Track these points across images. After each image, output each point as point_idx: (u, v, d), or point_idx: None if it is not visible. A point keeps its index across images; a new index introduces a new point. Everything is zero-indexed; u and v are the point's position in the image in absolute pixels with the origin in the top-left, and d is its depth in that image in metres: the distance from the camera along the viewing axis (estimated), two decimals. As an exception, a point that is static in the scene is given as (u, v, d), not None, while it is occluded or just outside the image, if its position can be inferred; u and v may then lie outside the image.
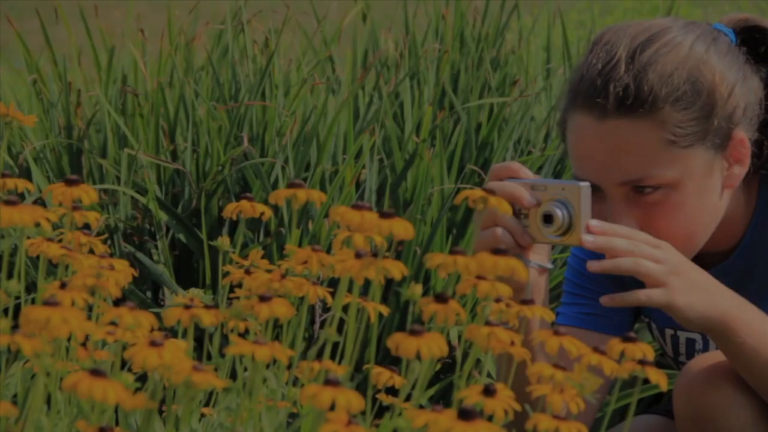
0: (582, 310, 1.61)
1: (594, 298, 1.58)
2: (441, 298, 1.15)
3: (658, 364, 1.91)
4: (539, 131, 2.70)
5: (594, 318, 1.61)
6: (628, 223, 1.45)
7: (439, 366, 2.36)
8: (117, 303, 1.17)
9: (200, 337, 2.31)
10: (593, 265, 1.39)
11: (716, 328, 1.42)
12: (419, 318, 2.28)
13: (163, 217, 2.46)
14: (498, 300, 1.26)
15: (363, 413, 1.15)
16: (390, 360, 2.26)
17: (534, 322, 1.48)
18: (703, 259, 1.54)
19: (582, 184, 1.41)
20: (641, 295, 1.39)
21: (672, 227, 1.45)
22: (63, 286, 1.18)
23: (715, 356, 1.50)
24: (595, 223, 1.41)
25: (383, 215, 1.17)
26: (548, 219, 1.41)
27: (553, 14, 3.22)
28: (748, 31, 1.52)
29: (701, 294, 1.41)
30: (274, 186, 2.49)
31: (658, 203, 1.44)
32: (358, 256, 1.20)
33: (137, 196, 2.47)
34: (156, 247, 2.48)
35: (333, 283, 1.84)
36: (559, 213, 1.41)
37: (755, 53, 1.51)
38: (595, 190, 1.47)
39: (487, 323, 1.19)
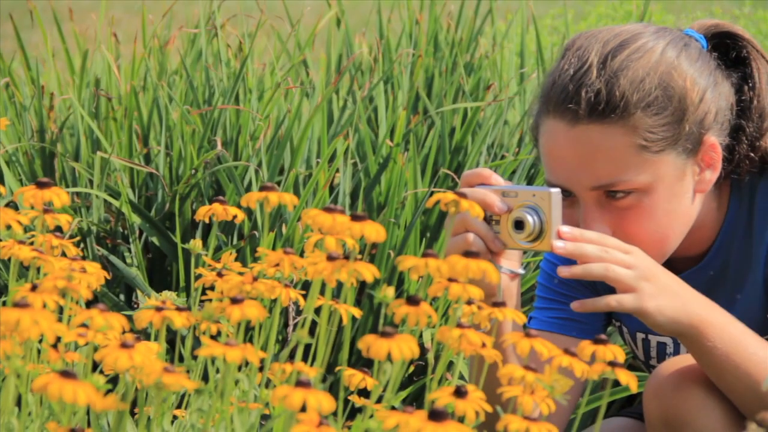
0: (555, 315, 1.62)
1: (567, 302, 1.59)
2: (412, 300, 1.15)
3: (630, 367, 1.93)
4: (513, 135, 2.71)
5: (567, 322, 1.61)
6: (600, 228, 1.46)
7: (412, 368, 2.37)
8: (89, 305, 1.16)
9: (173, 340, 2.31)
10: (563, 271, 1.40)
11: (686, 332, 1.43)
12: (392, 320, 2.28)
13: (136, 220, 2.46)
14: (469, 302, 1.27)
15: (335, 414, 1.15)
16: (363, 362, 2.27)
17: (506, 325, 1.49)
18: (674, 264, 1.55)
19: (553, 190, 1.42)
20: (611, 301, 1.39)
21: (644, 232, 1.46)
22: (34, 288, 1.18)
23: (684, 359, 1.51)
24: (566, 229, 1.42)
25: (355, 218, 1.17)
26: (519, 225, 1.42)
27: (526, 19, 3.23)
28: (719, 36, 1.53)
29: (671, 298, 1.42)
30: (248, 189, 2.49)
31: (630, 208, 1.45)
32: (330, 258, 1.21)
33: (110, 199, 2.46)
34: (129, 250, 2.48)
35: (307, 286, 1.84)
36: (530, 219, 1.42)
37: (726, 59, 1.53)
38: (567, 195, 1.47)
39: (459, 325, 1.19)
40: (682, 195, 1.47)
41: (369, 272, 1.17)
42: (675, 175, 1.46)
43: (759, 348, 1.44)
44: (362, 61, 3.02)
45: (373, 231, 1.17)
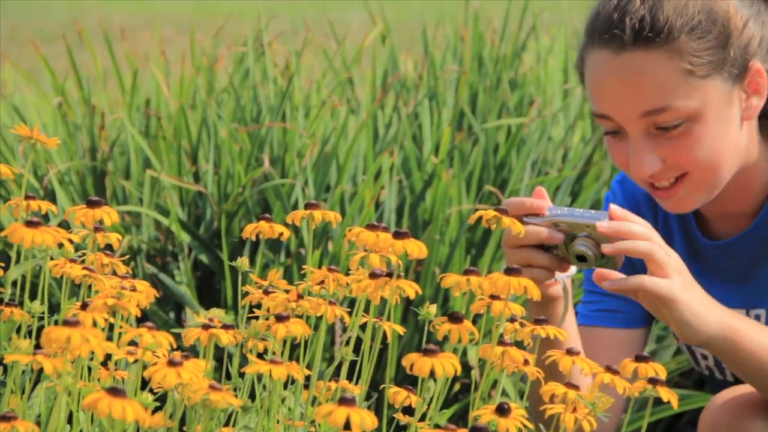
0: (598, 307, 1.62)
1: (609, 294, 1.59)
2: (454, 318, 1.17)
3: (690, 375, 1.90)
4: (557, 151, 2.72)
5: (610, 314, 1.61)
6: (651, 158, 1.46)
7: (457, 387, 2.38)
8: (139, 323, 1.19)
9: (221, 357, 2.33)
10: (607, 248, 1.39)
11: (717, 337, 1.42)
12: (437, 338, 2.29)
13: (185, 238, 2.49)
14: (512, 319, 1.28)
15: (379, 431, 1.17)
16: (409, 380, 2.28)
17: (569, 323, 1.49)
18: (721, 227, 1.53)
19: (601, 223, 1.41)
20: (646, 281, 1.38)
21: (696, 159, 1.46)
22: (84, 306, 1.21)
23: (739, 390, 1.50)
24: (618, 210, 1.41)
25: (397, 235, 1.19)
26: (581, 259, 1.42)
27: (570, 34, 3.24)
28: None
29: (701, 299, 1.41)
30: (294, 207, 2.51)
31: (681, 136, 1.45)
32: (373, 275, 1.22)
33: (160, 217, 2.50)
34: (178, 268, 2.51)
35: (353, 303, 1.86)
36: (590, 253, 1.42)
37: None
38: (615, 132, 1.48)
39: (501, 342, 1.21)
40: (731, 122, 1.47)
41: (412, 289, 1.19)
42: (722, 101, 1.46)
43: None
44: (407, 78, 3.04)
45: (416, 248, 1.18)
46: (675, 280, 1.39)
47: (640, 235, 1.39)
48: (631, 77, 1.44)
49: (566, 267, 1.43)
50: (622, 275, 1.39)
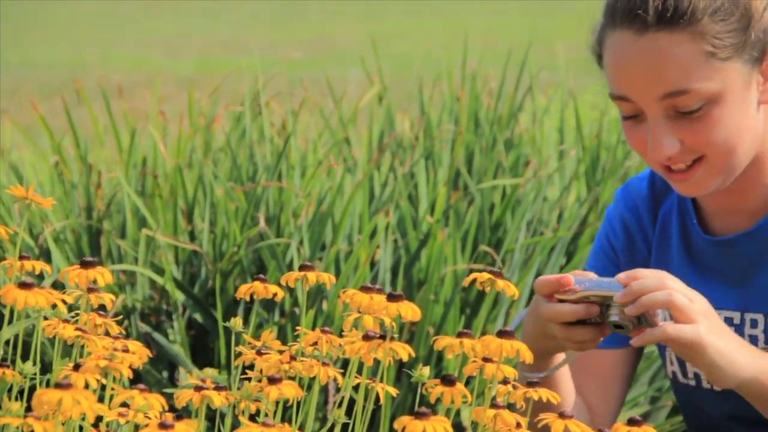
0: None
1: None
2: (447, 380, 1.17)
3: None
4: (552, 212, 2.73)
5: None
6: (670, 141, 1.46)
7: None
8: (133, 383, 1.18)
9: (214, 417, 2.32)
10: (631, 309, 1.38)
11: (749, 381, 1.40)
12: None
13: (180, 297, 2.49)
14: (505, 381, 1.28)
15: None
16: (404, 440, 2.27)
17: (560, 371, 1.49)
18: (722, 224, 1.53)
19: (618, 293, 1.42)
20: (669, 329, 1.37)
21: (714, 142, 1.46)
22: (77, 367, 1.20)
23: None
24: (622, 275, 1.41)
25: (391, 297, 1.19)
26: (618, 327, 1.43)
27: (566, 95, 3.26)
28: None
29: (730, 342, 1.39)
30: (290, 266, 2.51)
31: (700, 118, 1.45)
32: (366, 337, 1.22)
33: (155, 276, 2.50)
34: (172, 327, 2.51)
35: (347, 364, 1.85)
36: (627, 323, 1.42)
37: None
38: (633, 116, 1.48)
39: (494, 405, 1.20)
40: (749, 105, 1.47)
41: (404, 351, 1.19)
42: (742, 84, 1.47)
43: None
44: (404, 138, 3.06)
45: (409, 310, 1.18)
46: (701, 325, 1.38)
47: (655, 287, 1.38)
48: (653, 58, 1.45)
49: (607, 332, 1.44)
50: (648, 330, 1.38)
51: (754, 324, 1.53)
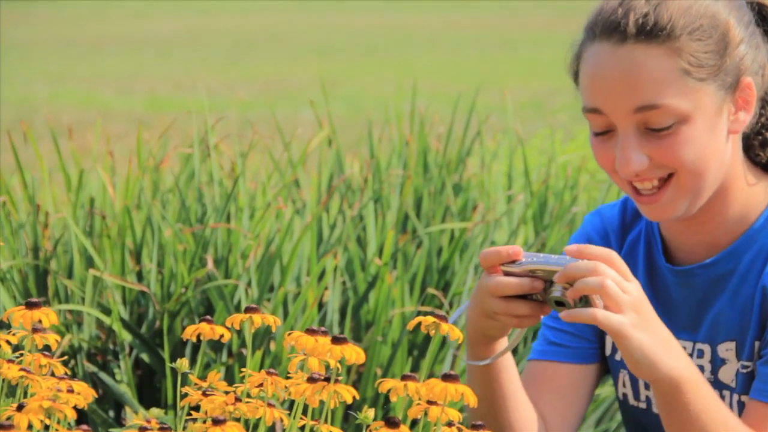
0: (552, 340, 1.61)
1: (563, 329, 1.59)
2: (392, 423, 1.18)
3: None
4: (499, 255, 2.75)
5: (563, 349, 1.60)
6: (638, 156, 1.47)
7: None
8: (78, 423, 1.18)
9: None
10: (568, 292, 1.39)
11: (664, 380, 1.42)
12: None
13: (127, 337, 2.48)
14: (449, 424, 1.29)
15: None
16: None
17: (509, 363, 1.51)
18: (685, 256, 1.54)
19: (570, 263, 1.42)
20: (598, 314, 1.39)
21: (683, 159, 1.48)
22: (20, 407, 1.20)
23: None
24: (573, 247, 1.42)
25: (336, 340, 1.20)
26: (560, 303, 1.42)
27: (515, 140, 3.30)
28: (759, 8, 1.56)
29: (655, 339, 1.41)
30: (237, 307, 2.51)
31: (669, 135, 1.47)
32: (311, 379, 1.23)
33: (102, 316, 2.49)
34: (119, 367, 2.50)
35: (293, 405, 1.86)
36: (570, 301, 1.42)
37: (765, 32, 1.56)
38: (603, 133, 1.50)
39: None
40: (719, 132, 1.49)
41: (348, 394, 1.20)
42: (713, 109, 1.49)
43: (726, 415, 1.44)
44: (353, 180, 3.08)
45: (353, 353, 1.20)
46: (627, 317, 1.39)
47: (590, 270, 1.39)
48: (628, 70, 1.47)
49: (547, 310, 1.44)
50: (576, 309, 1.39)
51: (700, 354, 1.56)
